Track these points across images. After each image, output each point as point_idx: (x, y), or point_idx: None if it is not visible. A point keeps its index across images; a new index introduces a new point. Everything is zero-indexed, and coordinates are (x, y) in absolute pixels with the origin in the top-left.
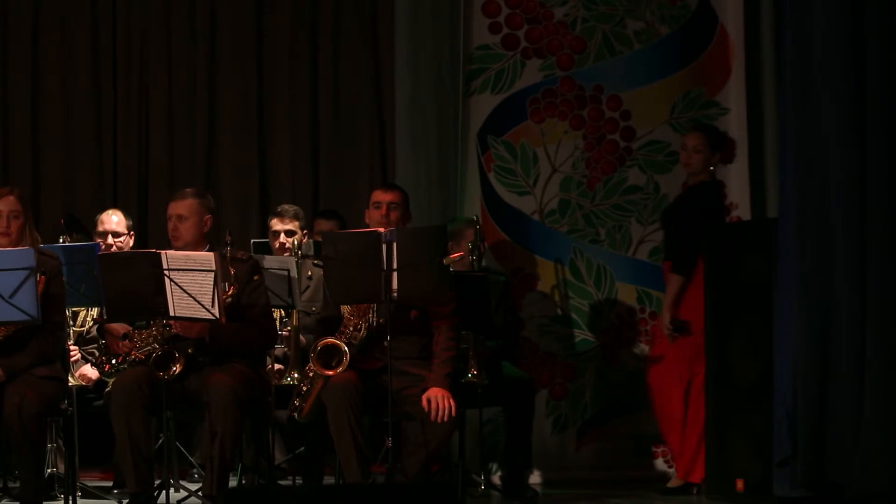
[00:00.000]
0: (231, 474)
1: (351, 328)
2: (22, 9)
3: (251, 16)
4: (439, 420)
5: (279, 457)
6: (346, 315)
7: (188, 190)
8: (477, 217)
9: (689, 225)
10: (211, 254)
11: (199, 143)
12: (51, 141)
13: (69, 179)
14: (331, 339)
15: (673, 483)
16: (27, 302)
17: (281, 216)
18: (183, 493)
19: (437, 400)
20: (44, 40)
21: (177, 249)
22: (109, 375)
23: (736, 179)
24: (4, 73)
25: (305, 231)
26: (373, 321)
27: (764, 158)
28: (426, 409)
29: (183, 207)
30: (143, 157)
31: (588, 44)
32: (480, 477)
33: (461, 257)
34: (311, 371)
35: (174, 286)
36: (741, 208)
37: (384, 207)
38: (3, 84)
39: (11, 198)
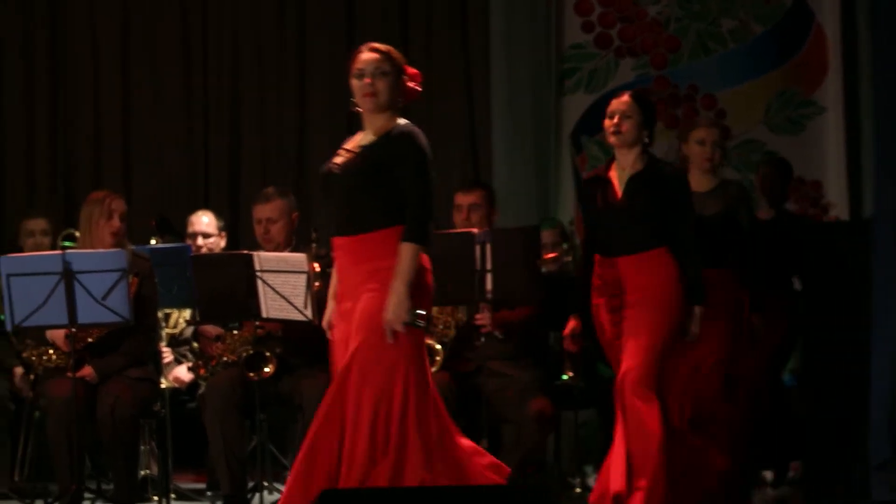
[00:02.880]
0: None
1: (441, 326)
2: (112, 14)
3: (342, 17)
4: None
5: None
6: (435, 314)
7: (271, 191)
8: (571, 218)
9: None
10: (303, 255)
11: (290, 143)
12: (142, 144)
13: (161, 182)
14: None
15: None
16: (119, 304)
17: None
18: (276, 496)
19: None
20: (134, 46)
21: (268, 251)
22: (204, 379)
23: (834, 179)
24: (97, 80)
25: None
26: (461, 321)
27: (861, 158)
28: None
29: (271, 210)
30: (235, 159)
31: (682, 42)
32: (576, 479)
33: (556, 260)
34: None
35: (266, 288)
36: (839, 208)
37: (465, 211)
38: (95, 90)
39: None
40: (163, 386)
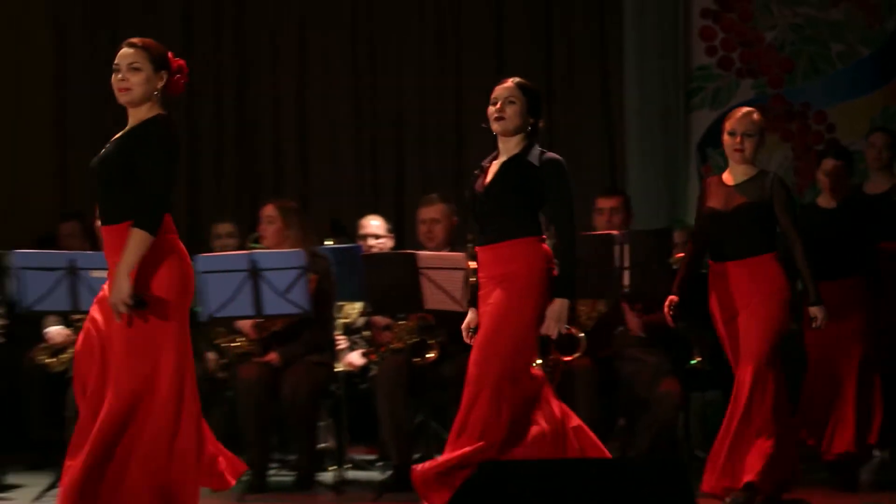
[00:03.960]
0: None
1: (584, 317)
2: (290, 37)
3: (491, 36)
4: None
5: None
6: (578, 306)
7: (435, 196)
8: None
9: None
10: (461, 254)
11: (448, 152)
12: (318, 156)
13: (335, 189)
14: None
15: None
16: (300, 297)
17: None
18: None
19: None
20: (312, 69)
21: (430, 250)
22: (375, 363)
23: None
24: (276, 98)
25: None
26: (602, 312)
27: None
28: None
29: (435, 212)
30: (400, 169)
31: (796, 64)
32: (704, 454)
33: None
34: (551, 358)
35: (429, 283)
36: None
37: (606, 214)
38: (275, 105)
39: (270, 206)
40: (338, 369)
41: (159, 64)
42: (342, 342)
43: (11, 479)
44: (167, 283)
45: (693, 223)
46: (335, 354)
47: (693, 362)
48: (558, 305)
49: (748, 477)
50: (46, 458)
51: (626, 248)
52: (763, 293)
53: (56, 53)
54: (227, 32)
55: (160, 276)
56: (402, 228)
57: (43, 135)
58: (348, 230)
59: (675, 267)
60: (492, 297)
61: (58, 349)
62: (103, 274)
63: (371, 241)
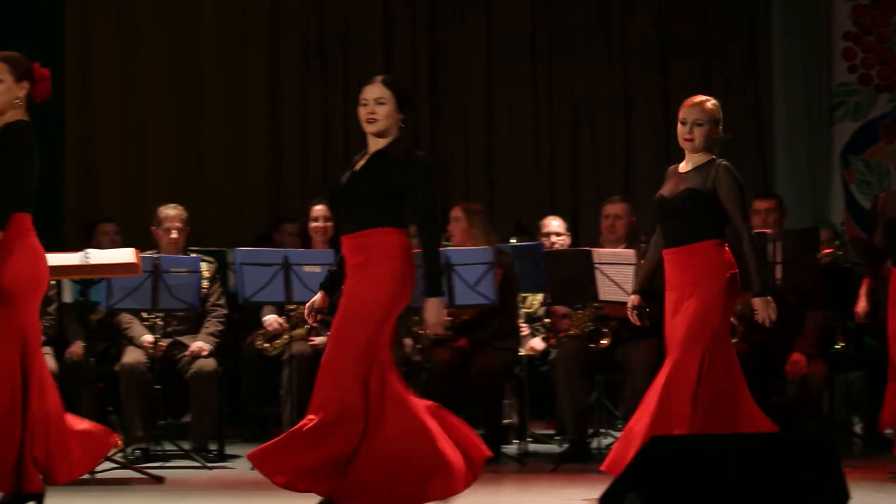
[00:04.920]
0: None
1: (739, 307)
2: (477, 52)
3: (656, 54)
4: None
5: None
6: None
7: (617, 197)
8: (842, 220)
9: None
10: (632, 251)
11: (618, 158)
12: (502, 164)
13: (517, 193)
14: None
15: None
16: (488, 289)
17: None
18: (610, 440)
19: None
20: (497, 87)
21: (611, 243)
22: (554, 347)
23: None
24: (465, 116)
25: None
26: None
27: None
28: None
29: (618, 209)
30: (574, 173)
31: None
32: (848, 428)
33: (831, 254)
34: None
35: (602, 277)
36: None
37: (762, 214)
38: (462, 120)
39: (457, 208)
40: (521, 353)
41: (21, 75)
42: (525, 329)
43: (231, 450)
44: (14, 277)
45: (836, 223)
46: (519, 340)
47: (837, 347)
48: (429, 305)
49: None
50: (262, 430)
51: (779, 245)
52: (698, 280)
53: (270, 73)
54: (423, 52)
55: (9, 269)
56: (577, 228)
57: (259, 147)
58: (530, 230)
59: (822, 262)
60: (348, 286)
61: (273, 335)
62: (315, 269)
63: (553, 239)
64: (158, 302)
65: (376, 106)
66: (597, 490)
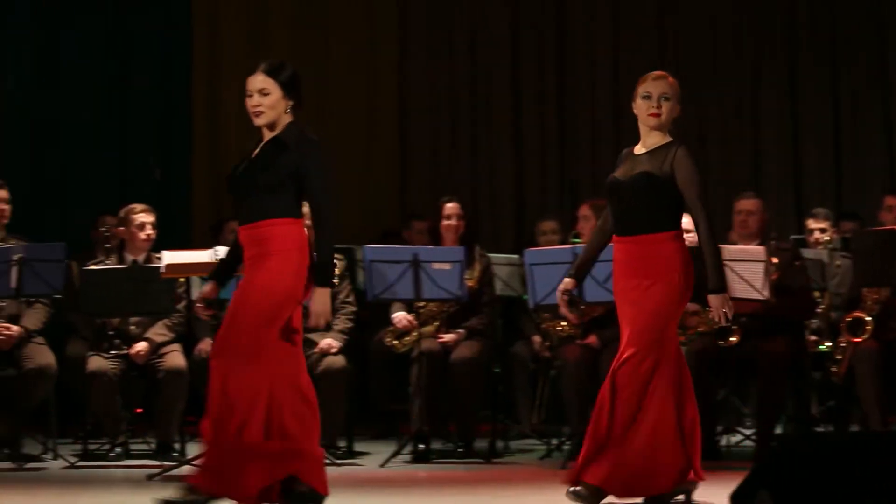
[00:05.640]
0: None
1: (868, 302)
2: (604, 56)
3: (785, 61)
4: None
5: (814, 409)
6: (865, 293)
7: (750, 192)
8: None
9: None
10: (762, 248)
11: (746, 159)
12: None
13: None
14: (857, 313)
15: None
16: None
17: (815, 217)
18: (739, 437)
19: None
20: (624, 89)
21: (743, 238)
22: (684, 344)
23: None
24: (594, 117)
25: (835, 228)
26: (886, 297)
27: None
28: None
29: (751, 205)
30: (704, 171)
31: None
32: None
33: None
34: (842, 340)
35: (732, 273)
36: None
37: (894, 210)
38: (592, 118)
39: (585, 206)
40: None
41: None
42: None
43: (360, 446)
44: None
45: None
46: None
47: None
48: (317, 295)
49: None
50: (390, 427)
51: None
52: (653, 276)
53: (398, 69)
54: (549, 45)
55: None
56: None
57: (388, 144)
58: None
59: None
60: (243, 278)
61: (402, 332)
62: (445, 266)
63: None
64: None
65: (261, 97)
66: (726, 488)
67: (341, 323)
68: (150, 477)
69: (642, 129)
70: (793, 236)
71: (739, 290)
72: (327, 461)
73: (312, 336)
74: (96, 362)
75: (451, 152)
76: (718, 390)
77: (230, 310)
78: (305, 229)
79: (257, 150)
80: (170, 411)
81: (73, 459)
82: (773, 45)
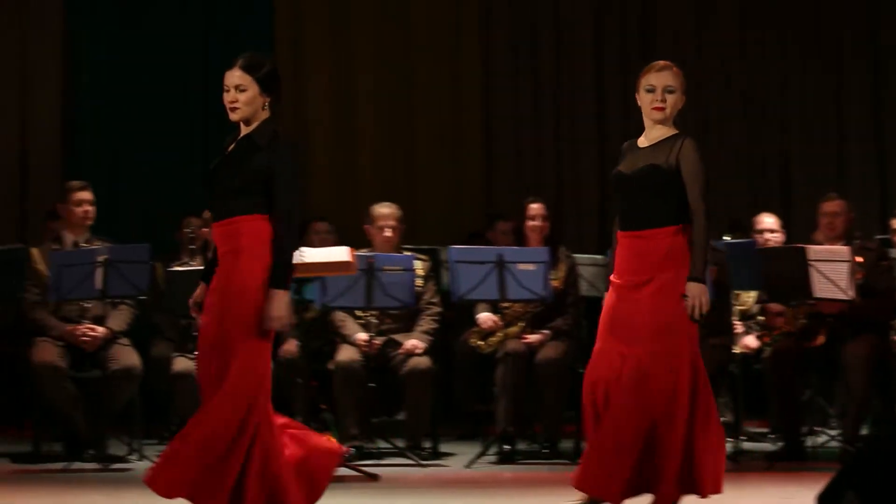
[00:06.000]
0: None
1: None
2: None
3: (869, 53)
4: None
5: None
6: None
7: (834, 194)
8: None
9: None
10: (847, 248)
11: (829, 160)
12: (716, 166)
13: (732, 192)
14: None
15: None
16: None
17: None
18: (824, 438)
19: None
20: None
21: (829, 240)
22: (767, 345)
23: None
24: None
25: None
26: None
27: None
28: None
29: (836, 206)
30: (785, 174)
31: None
32: None
33: None
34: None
35: (817, 273)
36: None
37: None
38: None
39: None
40: (735, 351)
41: None
42: (739, 327)
43: (445, 447)
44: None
45: None
46: (733, 338)
47: None
48: (274, 298)
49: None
50: (475, 428)
51: None
52: (656, 270)
53: (482, 69)
54: (633, 43)
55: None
56: (790, 224)
57: (472, 144)
58: (744, 226)
59: None
60: (218, 276)
61: (487, 333)
62: (530, 266)
63: (766, 236)
64: (373, 300)
65: (237, 93)
66: (812, 488)
67: (426, 324)
68: None
69: (646, 121)
70: (878, 236)
71: (824, 290)
72: (412, 461)
73: (398, 337)
74: (181, 363)
75: (535, 152)
76: (804, 391)
77: (211, 311)
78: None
79: (232, 146)
80: None
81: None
82: (858, 45)
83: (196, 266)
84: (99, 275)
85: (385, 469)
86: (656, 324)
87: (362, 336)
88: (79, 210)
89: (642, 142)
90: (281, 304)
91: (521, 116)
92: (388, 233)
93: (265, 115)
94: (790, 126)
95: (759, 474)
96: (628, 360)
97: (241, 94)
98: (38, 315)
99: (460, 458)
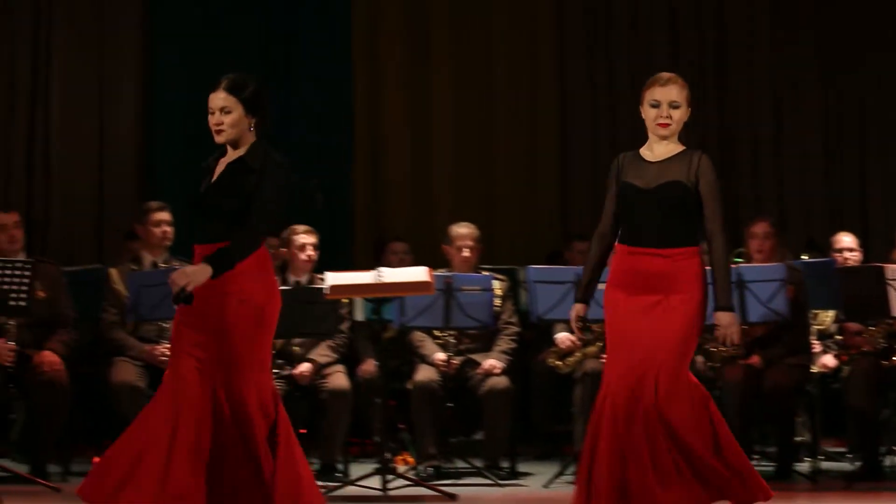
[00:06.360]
0: None
1: None
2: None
3: None
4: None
5: None
6: None
7: None
8: None
9: None
10: None
11: None
12: (791, 180)
13: (808, 208)
14: None
15: None
16: (780, 305)
17: None
18: None
19: None
20: (785, 115)
21: None
22: (846, 364)
23: None
24: (755, 138)
25: None
26: None
27: None
28: None
29: None
30: (863, 186)
31: None
32: None
33: None
34: None
35: (894, 293)
36: None
37: None
38: (754, 140)
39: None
40: (813, 370)
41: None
42: (817, 346)
43: (523, 467)
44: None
45: None
46: (811, 357)
47: None
48: (200, 266)
49: None
50: (553, 448)
51: None
52: (679, 292)
53: (558, 89)
54: (708, 49)
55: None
56: (867, 243)
57: (548, 164)
58: (822, 246)
59: None
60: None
61: (565, 353)
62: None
63: (845, 255)
64: (451, 320)
65: (222, 115)
66: None
67: (504, 344)
68: None
69: (651, 136)
70: None
71: None
72: (490, 481)
73: (476, 357)
74: None
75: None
76: (882, 410)
77: (202, 337)
78: (267, 248)
79: (221, 168)
80: (333, 432)
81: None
82: None
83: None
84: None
85: (463, 489)
86: (682, 340)
87: (441, 356)
88: (157, 230)
89: (648, 155)
90: (203, 272)
91: (598, 137)
92: (466, 253)
93: (251, 137)
94: (867, 142)
95: (837, 493)
96: (660, 376)
97: (225, 116)
98: (116, 335)
99: (538, 477)
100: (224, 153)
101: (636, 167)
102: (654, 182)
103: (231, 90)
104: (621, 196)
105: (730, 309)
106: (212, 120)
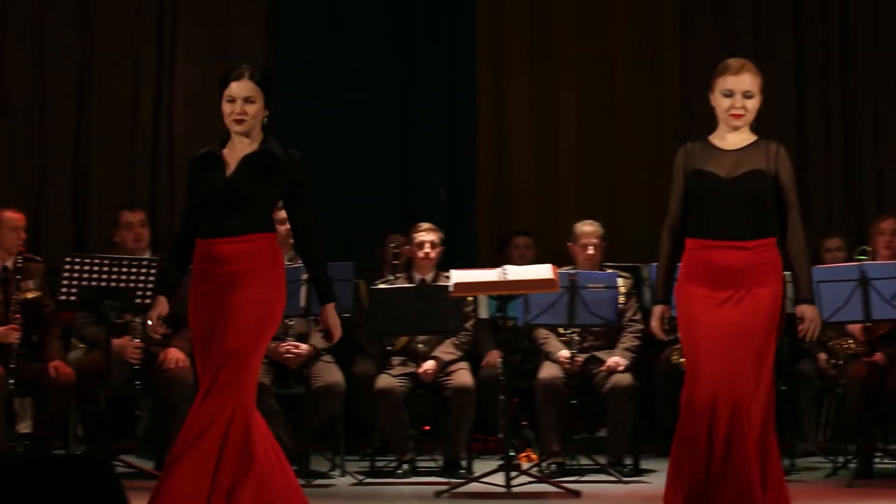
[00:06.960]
0: None
1: None
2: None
3: None
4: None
5: None
6: None
7: None
8: None
9: None
10: None
11: None
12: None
13: None
14: None
15: None
16: None
17: None
18: None
19: None
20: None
21: None
22: None
23: None
24: (879, 125)
25: None
26: None
27: None
28: None
29: None
30: None
31: None
32: None
33: None
34: None
35: None
36: None
37: None
38: (877, 129)
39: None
40: None
41: None
42: None
43: (646, 464)
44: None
45: None
46: None
47: None
48: (331, 312)
49: None
50: None
51: None
52: (764, 284)
53: (681, 84)
54: (833, 47)
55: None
56: None
57: (671, 162)
58: None
59: None
60: (226, 294)
61: None
62: None
63: None
64: (575, 317)
65: (246, 105)
66: None
67: (628, 341)
68: (438, 494)
69: (722, 126)
70: None
71: None
72: (614, 478)
73: (600, 354)
74: (384, 380)
75: None
76: None
77: (224, 333)
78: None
79: (240, 159)
80: (457, 429)
81: (360, 476)
82: None
83: (400, 283)
84: (303, 293)
85: (586, 486)
86: (768, 336)
87: (565, 353)
88: (282, 229)
89: (721, 144)
90: (335, 315)
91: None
92: (590, 251)
93: (260, 130)
94: None
95: None
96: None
97: (249, 105)
98: None
99: (661, 475)
100: (224, 144)
101: (709, 155)
102: (734, 171)
103: (257, 80)
104: (696, 183)
105: (812, 302)
106: (231, 108)
